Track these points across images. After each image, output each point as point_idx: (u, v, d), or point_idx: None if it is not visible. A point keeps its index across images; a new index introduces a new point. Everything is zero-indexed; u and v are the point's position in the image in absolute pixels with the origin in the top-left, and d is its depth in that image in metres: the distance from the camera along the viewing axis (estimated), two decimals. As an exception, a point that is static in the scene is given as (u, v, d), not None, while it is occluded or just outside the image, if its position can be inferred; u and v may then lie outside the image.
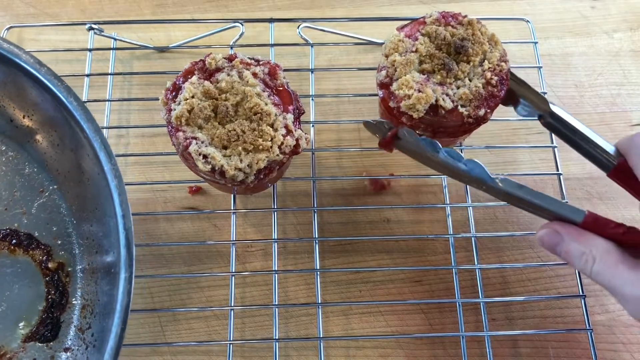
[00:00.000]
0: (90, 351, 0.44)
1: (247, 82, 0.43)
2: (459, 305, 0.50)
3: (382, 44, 0.61)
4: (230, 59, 0.45)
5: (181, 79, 0.45)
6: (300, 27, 0.59)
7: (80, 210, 0.48)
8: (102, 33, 0.58)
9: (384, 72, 0.45)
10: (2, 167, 0.50)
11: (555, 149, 0.55)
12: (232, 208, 0.52)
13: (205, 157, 0.42)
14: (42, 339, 0.46)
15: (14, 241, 0.48)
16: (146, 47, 0.61)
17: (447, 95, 0.44)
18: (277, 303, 0.49)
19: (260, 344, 0.51)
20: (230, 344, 0.48)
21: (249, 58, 0.45)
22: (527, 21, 0.61)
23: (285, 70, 0.46)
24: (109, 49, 0.59)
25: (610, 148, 0.44)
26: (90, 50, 0.58)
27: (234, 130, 0.42)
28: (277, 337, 0.48)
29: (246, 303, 0.52)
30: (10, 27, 0.59)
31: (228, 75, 0.44)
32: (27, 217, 0.49)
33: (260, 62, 0.45)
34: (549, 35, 0.65)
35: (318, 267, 0.50)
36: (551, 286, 0.53)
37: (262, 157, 0.42)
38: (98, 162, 0.41)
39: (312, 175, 0.53)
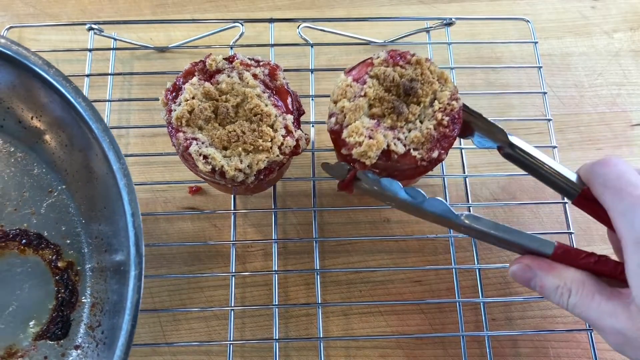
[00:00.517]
0: (101, 348, 0.45)
1: (247, 83, 0.44)
2: (459, 305, 0.50)
3: (382, 44, 0.62)
4: (231, 60, 0.45)
5: (181, 80, 0.45)
6: (300, 27, 0.59)
7: (89, 209, 0.48)
8: (102, 33, 0.58)
9: (333, 119, 0.44)
10: (11, 168, 0.50)
11: (555, 149, 0.55)
12: (232, 208, 0.52)
13: (205, 157, 0.42)
14: (52, 337, 0.46)
15: (24, 241, 0.48)
16: (146, 47, 0.61)
17: (399, 139, 0.43)
18: (277, 303, 0.49)
19: (260, 344, 0.51)
20: (230, 344, 0.48)
21: (248, 59, 0.45)
22: (527, 21, 0.61)
23: (285, 70, 0.46)
24: (109, 49, 0.59)
25: (572, 176, 0.42)
26: (90, 50, 0.58)
27: (234, 131, 0.42)
28: (277, 337, 0.48)
29: (246, 303, 0.52)
30: (10, 27, 0.59)
31: (228, 76, 0.44)
32: (37, 217, 0.49)
33: (260, 63, 0.45)
34: (549, 35, 0.65)
35: (318, 267, 0.50)
36: (551, 286, 0.53)
37: (262, 158, 0.42)
38: (107, 161, 0.41)
39: (312, 175, 0.53)
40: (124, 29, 0.62)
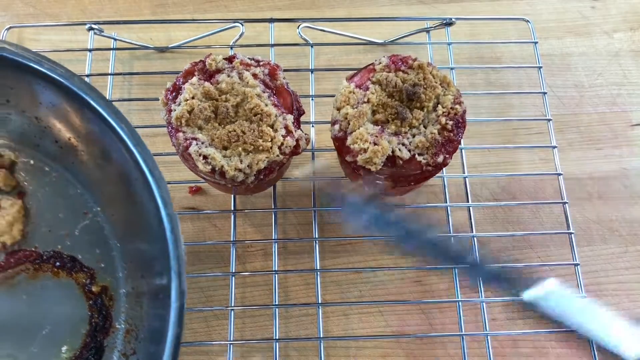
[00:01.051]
0: None
1: (247, 83, 0.44)
2: (459, 305, 0.50)
3: (382, 43, 0.62)
4: (231, 60, 0.45)
5: (181, 80, 0.45)
6: (300, 27, 0.59)
7: (126, 233, 0.47)
8: (102, 33, 0.58)
9: (337, 126, 0.44)
10: (45, 188, 0.49)
11: (555, 149, 0.55)
12: (232, 208, 0.52)
13: (205, 157, 0.42)
14: None
15: (58, 263, 0.47)
16: (146, 47, 0.61)
17: (404, 144, 0.43)
18: (277, 303, 0.49)
19: (260, 344, 0.51)
20: (230, 344, 0.48)
21: (249, 58, 0.45)
22: (527, 21, 0.61)
23: (285, 70, 0.46)
24: (109, 49, 0.59)
25: None
26: (90, 50, 0.58)
27: (234, 131, 0.42)
28: (277, 337, 0.48)
29: (246, 303, 0.52)
30: (10, 27, 0.59)
31: (228, 76, 0.44)
32: (70, 239, 0.48)
33: (260, 63, 0.45)
34: (549, 35, 0.64)
35: (318, 267, 0.50)
36: (551, 286, 0.53)
37: (262, 158, 0.42)
38: (147, 187, 0.40)
39: (312, 175, 0.53)
40: (124, 29, 0.62)
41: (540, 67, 0.59)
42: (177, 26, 0.63)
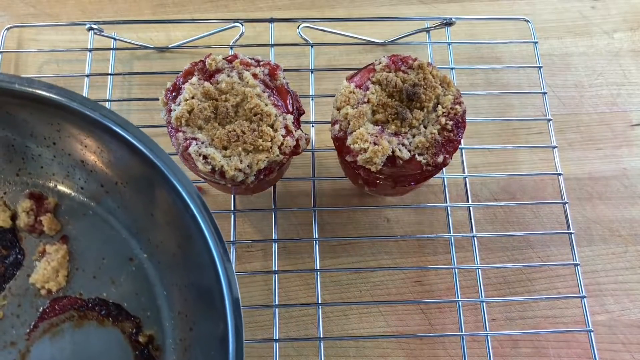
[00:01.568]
0: None
1: (247, 82, 0.43)
2: (459, 305, 0.50)
3: (382, 43, 0.62)
4: (230, 59, 0.45)
5: (181, 80, 0.45)
6: (300, 27, 0.59)
7: (174, 283, 0.45)
8: (102, 33, 0.58)
9: (337, 126, 0.44)
10: (90, 232, 0.48)
11: (555, 149, 0.55)
12: (232, 208, 0.52)
13: (205, 157, 0.42)
14: None
15: (103, 311, 0.45)
16: (146, 47, 0.61)
17: (404, 145, 0.43)
18: (277, 303, 0.49)
19: (260, 344, 0.51)
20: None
21: (249, 58, 0.45)
22: (527, 21, 0.61)
23: (285, 70, 0.46)
24: (109, 49, 0.59)
25: None
26: (90, 50, 0.58)
27: (234, 130, 0.42)
28: (277, 337, 0.48)
29: (246, 303, 0.52)
30: (10, 27, 0.59)
31: (228, 76, 0.44)
32: (116, 286, 0.46)
33: (260, 63, 0.45)
34: (549, 35, 0.64)
35: (318, 267, 0.50)
36: (551, 286, 0.53)
37: (262, 158, 0.42)
38: (205, 245, 0.39)
39: (312, 175, 0.53)
40: (124, 29, 0.62)
41: (540, 67, 0.59)
42: (177, 26, 0.63)
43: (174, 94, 0.44)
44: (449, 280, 0.53)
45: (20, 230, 0.48)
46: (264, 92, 0.44)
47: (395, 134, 0.43)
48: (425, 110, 0.44)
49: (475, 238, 0.52)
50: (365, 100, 0.44)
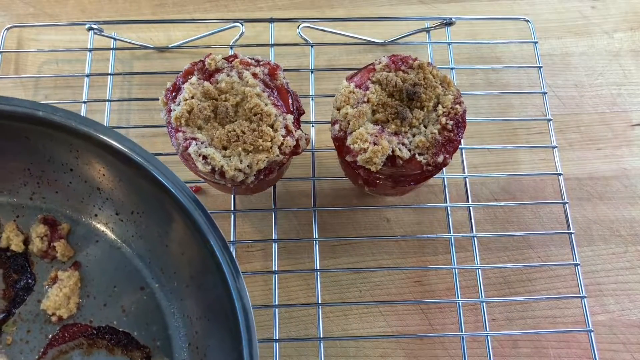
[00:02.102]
0: None
1: (247, 82, 0.43)
2: (459, 305, 0.50)
3: (382, 43, 0.62)
4: (230, 59, 0.45)
5: (181, 80, 0.45)
6: (300, 27, 0.59)
7: (186, 315, 0.45)
8: (102, 33, 0.58)
9: (337, 126, 0.44)
10: (102, 260, 0.47)
11: (555, 149, 0.55)
12: (232, 208, 0.52)
13: (205, 157, 0.41)
14: None
15: (113, 340, 0.45)
16: (146, 47, 0.61)
17: (404, 144, 0.43)
18: (277, 303, 0.49)
19: (260, 344, 0.50)
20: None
21: (249, 58, 0.45)
22: (527, 21, 0.61)
23: (285, 70, 0.46)
24: (109, 49, 0.59)
25: None
26: (90, 50, 0.58)
27: (234, 130, 0.42)
28: (277, 338, 0.48)
29: (246, 303, 0.52)
30: (11, 27, 0.59)
31: (228, 75, 0.44)
32: (126, 314, 0.46)
33: (260, 63, 0.45)
34: (549, 35, 0.64)
35: (318, 267, 0.50)
36: (551, 286, 0.53)
37: (262, 158, 0.42)
38: (220, 275, 0.38)
39: (312, 175, 0.53)
40: (124, 29, 0.62)
41: (540, 67, 0.59)
42: (177, 26, 0.63)
43: (173, 94, 0.44)
44: (449, 280, 0.53)
45: (32, 255, 0.47)
46: (264, 92, 0.44)
47: (395, 134, 0.43)
48: (426, 109, 0.44)
49: (475, 238, 0.52)
50: (365, 100, 0.44)
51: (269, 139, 0.42)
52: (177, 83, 0.45)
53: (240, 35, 0.58)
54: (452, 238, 0.52)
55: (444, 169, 0.54)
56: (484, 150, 0.58)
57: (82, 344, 0.45)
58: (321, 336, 0.48)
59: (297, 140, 0.43)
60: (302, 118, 0.46)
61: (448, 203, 0.53)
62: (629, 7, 0.66)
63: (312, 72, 0.57)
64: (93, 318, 0.46)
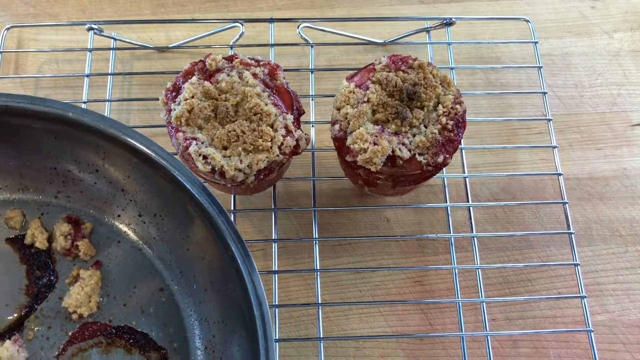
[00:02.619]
0: None
1: (247, 82, 0.43)
2: (459, 305, 0.50)
3: (382, 43, 0.62)
4: (230, 59, 0.45)
5: (181, 80, 0.45)
6: (300, 27, 0.59)
7: (203, 318, 0.45)
8: (102, 33, 0.58)
9: (337, 126, 0.44)
10: (123, 260, 0.48)
11: (555, 149, 0.55)
12: (232, 208, 0.52)
13: (205, 157, 0.42)
14: None
15: (131, 340, 0.45)
16: (146, 47, 0.61)
17: (404, 144, 0.43)
18: (277, 303, 0.49)
19: (260, 344, 0.51)
20: None
21: (249, 58, 0.45)
22: (527, 21, 0.61)
23: (285, 70, 0.46)
24: (109, 49, 0.59)
25: None
26: (90, 50, 0.58)
27: (234, 130, 0.42)
28: (277, 338, 0.48)
29: (246, 303, 0.52)
30: (11, 27, 0.59)
31: (228, 75, 0.44)
32: (145, 315, 0.46)
33: (260, 63, 0.45)
34: (549, 35, 0.64)
35: (318, 267, 0.50)
36: (551, 286, 0.53)
37: (262, 158, 0.42)
38: (240, 279, 0.38)
39: (312, 175, 0.53)
40: (124, 29, 0.62)
41: (540, 67, 0.59)
42: (177, 26, 0.63)
43: (174, 93, 0.44)
44: (449, 280, 0.53)
45: (55, 253, 0.48)
46: (264, 92, 0.44)
47: (396, 134, 0.43)
48: (426, 109, 0.44)
49: (475, 238, 0.52)
50: (365, 99, 0.44)
51: (269, 139, 0.42)
52: (177, 83, 0.45)
53: (240, 36, 0.58)
54: (452, 238, 0.52)
55: (444, 169, 0.54)
56: (484, 150, 0.58)
57: (101, 343, 0.45)
58: (321, 336, 0.48)
59: (297, 140, 0.43)
60: (302, 118, 0.46)
61: (448, 203, 0.53)
62: (629, 7, 0.66)
63: (312, 72, 0.57)
64: (112, 317, 0.46)
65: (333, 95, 0.46)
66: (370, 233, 0.55)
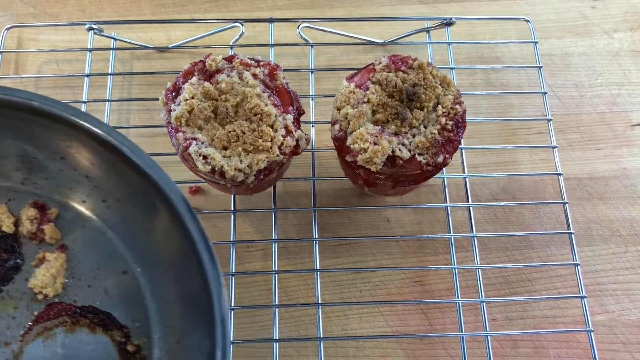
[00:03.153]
0: None
1: (247, 82, 0.43)
2: (459, 305, 0.50)
3: (382, 43, 0.62)
4: (230, 60, 0.45)
5: (181, 80, 0.45)
6: (300, 27, 0.59)
7: (164, 298, 0.46)
8: (102, 33, 0.58)
9: (337, 126, 0.44)
10: (87, 243, 0.48)
11: (555, 149, 0.55)
12: (232, 208, 0.52)
13: (205, 157, 0.42)
14: None
15: (95, 319, 0.47)
16: (146, 47, 0.61)
17: (404, 144, 0.43)
18: (277, 303, 0.49)
19: (260, 344, 0.51)
20: (230, 344, 0.48)
21: (249, 58, 0.45)
22: (527, 21, 0.61)
23: (285, 70, 0.46)
24: (109, 49, 0.59)
25: None
26: (90, 50, 0.58)
27: (234, 130, 0.42)
28: (277, 337, 0.48)
29: (246, 303, 0.52)
30: (11, 27, 0.59)
31: (228, 76, 0.44)
32: (108, 295, 0.47)
33: (260, 63, 0.45)
34: (549, 35, 0.64)
35: (318, 267, 0.50)
36: (551, 286, 0.53)
37: (262, 158, 0.42)
38: (196, 257, 0.39)
39: (312, 175, 0.53)
40: (124, 29, 0.62)
41: (540, 67, 0.59)
42: (177, 26, 0.63)
43: (174, 94, 0.44)
44: (449, 280, 0.53)
45: (22, 237, 0.49)
46: (264, 92, 0.44)
47: (395, 134, 0.43)
48: (425, 110, 0.44)
49: (475, 238, 0.52)
50: (365, 100, 0.44)
51: (269, 139, 0.42)
52: (177, 83, 0.45)
53: (240, 36, 0.58)
54: (452, 238, 0.52)
55: (444, 169, 0.54)
56: (484, 150, 0.58)
57: (66, 322, 0.47)
58: (321, 336, 0.48)
59: (297, 140, 0.43)
60: (302, 118, 0.46)
61: (448, 203, 0.53)
62: (629, 7, 0.66)
63: (312, 72, 0.57)
64: (77, 298, 0.47)
65: (333, 95, 0.46)
66: (370, 233, 0.55)
